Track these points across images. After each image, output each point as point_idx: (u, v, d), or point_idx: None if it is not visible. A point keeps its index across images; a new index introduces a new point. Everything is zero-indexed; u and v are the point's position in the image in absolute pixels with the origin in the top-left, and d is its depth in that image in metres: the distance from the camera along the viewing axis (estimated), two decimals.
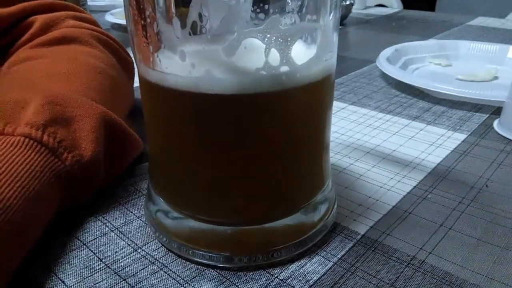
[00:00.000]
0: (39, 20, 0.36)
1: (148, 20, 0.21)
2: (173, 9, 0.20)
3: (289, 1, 0.20)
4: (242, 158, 0.22)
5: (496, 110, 0.44)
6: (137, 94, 0.27)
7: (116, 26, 0.85)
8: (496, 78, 0.54)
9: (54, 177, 0.24)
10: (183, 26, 0.20)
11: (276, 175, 0.23)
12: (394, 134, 0.40)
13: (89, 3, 1.02)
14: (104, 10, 1.04)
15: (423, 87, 0.47)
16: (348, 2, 0.85)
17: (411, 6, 1.40)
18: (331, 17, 0.22)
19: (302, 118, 0.23)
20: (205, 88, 0.20)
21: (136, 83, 0.37)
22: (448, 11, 2.35)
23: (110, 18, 0.86)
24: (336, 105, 0.47)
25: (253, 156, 0.22)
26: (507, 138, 0.38)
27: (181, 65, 0.20)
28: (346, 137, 0.39)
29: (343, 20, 0.88)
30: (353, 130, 0.41)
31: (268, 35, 0.20)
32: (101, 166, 0.27)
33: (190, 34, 0.20)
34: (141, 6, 0.21)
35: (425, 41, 0.69)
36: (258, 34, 0.20)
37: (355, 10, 0.94)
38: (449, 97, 0.46)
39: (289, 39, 0.20)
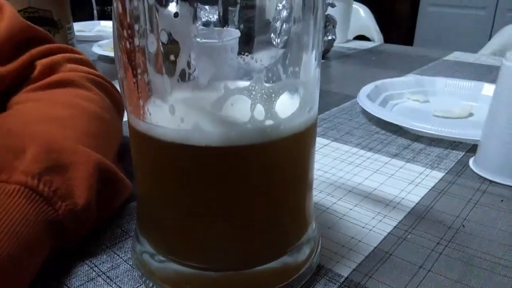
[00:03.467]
0: (38, 66, 0.37)
1: (139, 71, 0.22)
2: (162, 61, 0.22)
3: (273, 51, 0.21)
4: (228, 207, 0.23)
5: (471, 148, 0.46)
6: (125, 129, 0.28)
7: (103, 58, 0.86)
8: (471, 114, 0.57)
9: (47, 224, 0.25)
10: (172, 74, 0.21)
11: (262, 223, 0.24)
12: (375, 172, 0.41)
13: (77, 33, 1.03)
14: (92, 40, 1.05)
15: (402, 124, 0.49)
16: (330, 38, 0.88)
17: (390, 37, 1.46)
18: (313, 71, 0.23)
19: (287, 167, 0.24)
20: (193, 141, 0.21)
21: (124, 118, 0.38)
22: (425, 44, 2.45)
23: (97, 49, 0.87)
24: (320, 141, 0.48)
25: (238, 205, 0.23)
26: (482, 177, 0.40)
27: (170, 118, 0.21)
28: (330, 175, 0.41)
29: (326, 54, 0.91)
30: (336, 168, 0.42)
31: (254, 92, 0.21)
32: (93, 213, 0.28)
33: (178, 81, 0.21)
34: (133, 59, 0.22)
35: (403, 77, 0.72)
36: (245, 91, 0.21)
37: (336, 43, 0.97)
38: (427, 134, 0.48)
39: (273, 95, 0.21)
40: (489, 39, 2.00)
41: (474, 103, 0.60)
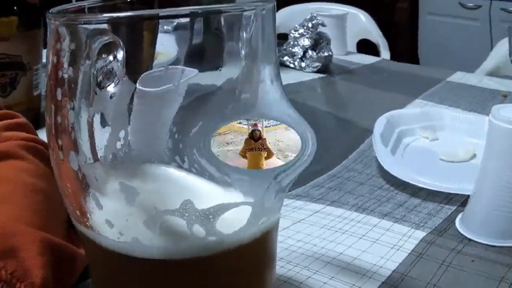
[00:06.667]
0: None
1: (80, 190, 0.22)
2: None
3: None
4: None
5: (464, 201, 0.44)
6: None
7: None
8: (474, 156, 0.56)
9: None
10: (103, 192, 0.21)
11: None
12: (360, 238, 0.39)
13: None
14: None
15: (403, 179, 0.47)
16: (326, 54, 0.87)
17: (393, 45, 1.41)
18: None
19: (236, 277, 0.23)
20: (134, 253, 0.21)
21: None
22: (430, 52, 2.32)
23: None
24: (312, 208, 0.45)
25: None
26: (462, 235, 0.39)
27: (109, 231, 0.21)
28: (310, 246, 0.38)
29: (326, 68, 0.90)
30: (320, 237, 0.40)
31: (187, 214, 0.20)
32: None
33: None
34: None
35: (412, 108, 0.73)
36: (176, 213, 0.20)
37: (336, 56, 0.95)
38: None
39: (210, 216, 0.21)
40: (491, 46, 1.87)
41: (478, 140, 0.58)
